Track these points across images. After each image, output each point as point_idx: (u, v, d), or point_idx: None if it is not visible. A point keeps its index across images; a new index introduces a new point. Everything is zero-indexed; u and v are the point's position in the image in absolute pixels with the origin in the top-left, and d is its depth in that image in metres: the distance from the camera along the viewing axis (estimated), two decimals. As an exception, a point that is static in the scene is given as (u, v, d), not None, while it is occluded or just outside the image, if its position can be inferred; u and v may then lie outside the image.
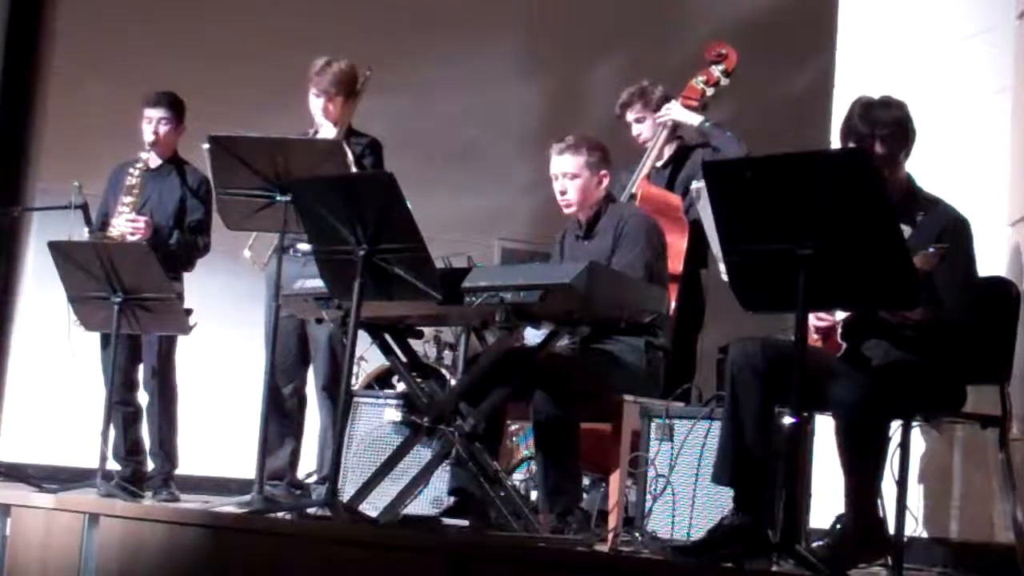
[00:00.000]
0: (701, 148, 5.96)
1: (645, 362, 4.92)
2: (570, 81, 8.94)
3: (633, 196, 5.81)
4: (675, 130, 6.05)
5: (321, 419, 5.73)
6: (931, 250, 3.86)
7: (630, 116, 6.10)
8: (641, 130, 6.08)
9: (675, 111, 5.97)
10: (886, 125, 4.10)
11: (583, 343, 4.82)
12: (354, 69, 5.80)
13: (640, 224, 5.06)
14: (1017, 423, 4.45)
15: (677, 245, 5.65)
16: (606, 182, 5.09)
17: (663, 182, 6.00)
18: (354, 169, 5.46)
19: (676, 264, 5.63)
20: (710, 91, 6.11)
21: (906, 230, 4.04)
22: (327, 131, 5.70)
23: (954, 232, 4.11)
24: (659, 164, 6.05)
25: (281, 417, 5.74)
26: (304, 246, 5.33)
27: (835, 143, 5.32)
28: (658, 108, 6.05)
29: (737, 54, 6.14)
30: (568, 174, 5.05)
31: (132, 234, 5.91)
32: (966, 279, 4.13)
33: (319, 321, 5.12)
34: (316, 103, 5.77)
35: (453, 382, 6.48)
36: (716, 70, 6.13)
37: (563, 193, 5.07)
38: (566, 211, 5.12)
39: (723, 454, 4.14)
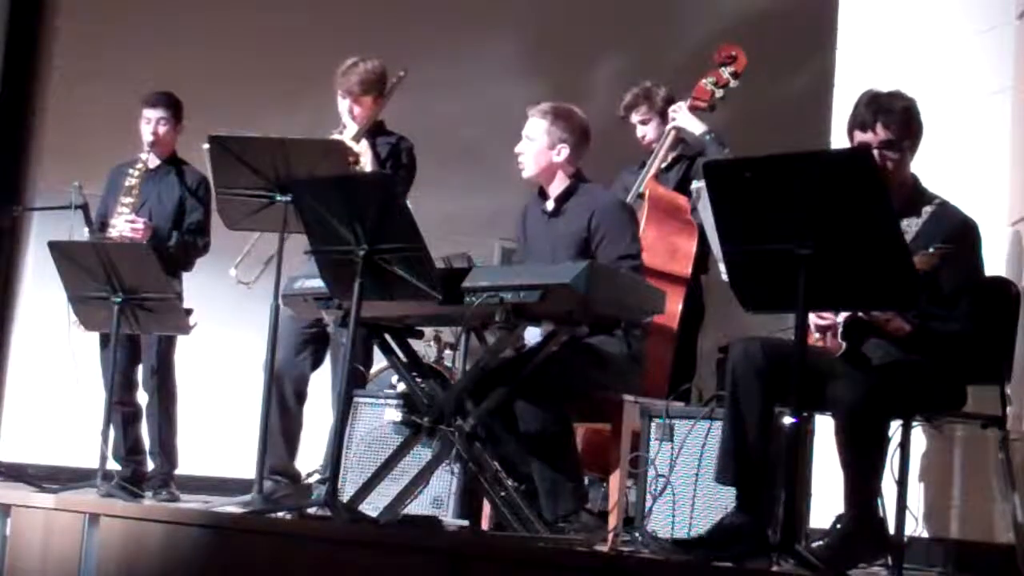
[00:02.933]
0: (702, 156, 5.94)
1: (627, 351, 4.88)
2: (570, 81, 8.91)
3: (641, 196, 5.80)
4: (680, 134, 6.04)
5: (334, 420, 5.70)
6: (931, 250, 3.86)
7: (635, 117, 6.10)
8: (646, 131, 6.08)
9: (680, 117, 5.94)
10: (891, 112, 4.10)
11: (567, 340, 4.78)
12: (383, 69, 5.74)
13: (617, 211, 5.01)
14: (1017, 423, 4.45)
15: (686, 247, 5.63)
16: (564, 154, 5.00)
17: (666, 185, 5.99)
18: (369, 168, 5.46)
19: (685, 267, 5.61)
20: (719, 92, 6.10)
21: (910, 230, 4.05)
22: (351, 131, 5.67)
23: (961, 235, 4.11)
24: (663, 166, 6.04)
25: (284, 413, 5.71)
26: None
27: (835, 143, 5.34)
28: (663, 109, 6.04)
29: (746, 56, 6.14)
30: (528, 136, 5.03)
31: (131, 235, 5.92)
32: (972, 283, 4.13)
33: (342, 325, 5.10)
34: (343, 104, 5.72)
35: (453, 382, 6.48)
36: (726, 72, 6.12)
37: (520, 154, 5.06)
38: (522, 174, 5.08)
39: (725, 454, 4.14)
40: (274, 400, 5.58)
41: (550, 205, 5.08)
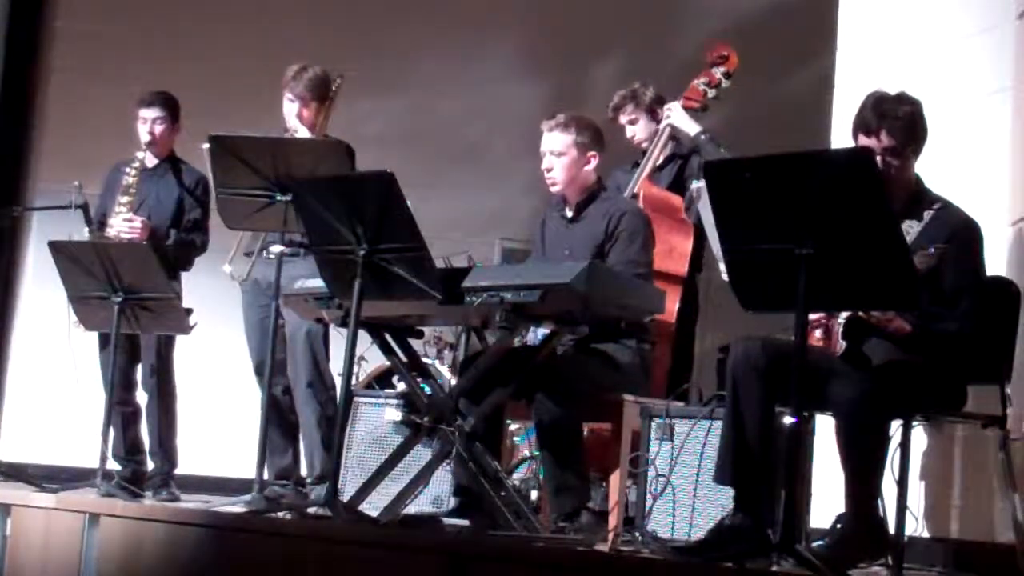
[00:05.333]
0: (696, 155, 5.94)
1: (639, 361, 4.91)
2: (570, 81, 8.93)
3: (635, 196, 5.80)
4: (673, 136, 6.04)
5: (305, 417, 5.68)
6: (931, 250, 3.85)
7: (623, 119, 6.10)
8: (635, 132, 6.09)
9: (675, 116, 5.95)
10: (896, 118, 4.10)
11: (579, 344, 4.81)
12: (327, 75, 5.80)
13: (637, 218, 5.04)
14: (1017, 423, 4.44)
15: (682, 247, 5.64)
16: (594, 163, 5.04)
17: (659, 184, 5.99)
18: None
19: (681, 266, 5.61)
20: (712, 92, 6.11)
21: (912, 231, 4.05)
22: (303, 135, 5.69)
23: (963, 235, 4.11)
24: (656, 165, 6.04)
25: (280, 417, 5.73)
26: (277, 248, 5.31)
27: (835, 143, 5.34)
28: (650, 108, 6.05)
29: (738, 56, 6.14)
30: (555, 152, 5.02)
31: (129, 234, 5.92)
32: (974, 283, 4.13)
33: (320, 322, 5.10)
34: (290, 108, 5.76)
35: (453, 382, 6.48)
36: (718, 72, 6.13)
37: (549, 170, 5.04)
38: (552, 189, 5.09)
39: (724, 454, 4.14)
40: (271, 408, 5.58)
41: (570, 211, 5.10)
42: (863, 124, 4.14)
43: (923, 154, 4.26)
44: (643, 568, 3.74)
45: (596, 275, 4.36)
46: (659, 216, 5.43)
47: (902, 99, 4.17)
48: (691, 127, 5.91)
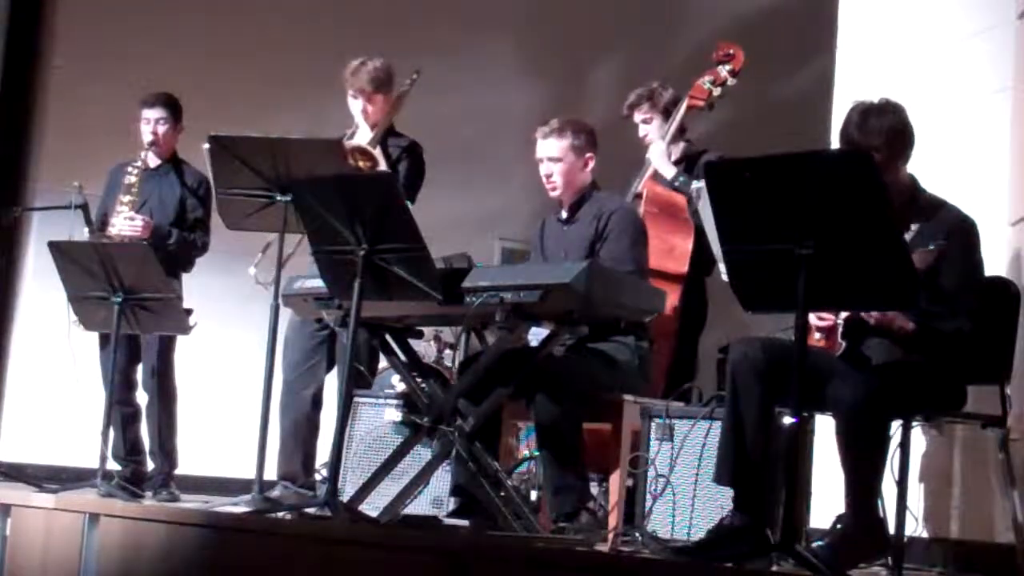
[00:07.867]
0: (707, 152, 5.93)
1: (637, 360, 4.92)
2: (570, 81, 8.94)
3: (638, 195, 5.81)
4: (683, 131, 6.05)
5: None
6: (930, 247, 3.86)
7: (637, 117, 6.11)
8: (648, 131, 6.09)
9: (653, 154, 5.92)
10: (881, 134, 4.09)
11: (577, 343, 4.81)
12: (390, 66, 5.73)
13: (625, 216, 5.06)
14: (1017, 423, 4.45)
15: (683, 246, 5.64)
16: (591, 164, 5.08)
17: (664, 184, 5.99)
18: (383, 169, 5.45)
19: (681, 264, 5.62)
20: (717, 91, 6.10)
21: (910, 231, 4.05)
22: (363, 133, 5.66)
23: (960, 233, 4.12)
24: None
25: (299, 418, 5.68)
26: None
27: (835, 143, 5.32)
28: (666, 111, 6.05)
29: (744, 55, 6.14)
30: (552, 158, 5.06)
31: (131, 231, 5.92)
32: (972, 281, 4.13)
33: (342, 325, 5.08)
34: (355, 104, 5.70)
35: (453, 382, 6.47)
36: (723, 70, 6.13)
37: (548, 176, 5.09)
38: (552, 194, 5.14)
39: (723, 454, 4.15)
40: (289, 407, 5.59)
41: (565, 213, 5.13)
42: (848, 140, 4.15)
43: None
44: (643, 568, 3.74)
45: (596, 275, 4.37)
46: (661, 215, 5.44)
47: (884, 109, 4.15)
48: (668, 171, 5.89)
